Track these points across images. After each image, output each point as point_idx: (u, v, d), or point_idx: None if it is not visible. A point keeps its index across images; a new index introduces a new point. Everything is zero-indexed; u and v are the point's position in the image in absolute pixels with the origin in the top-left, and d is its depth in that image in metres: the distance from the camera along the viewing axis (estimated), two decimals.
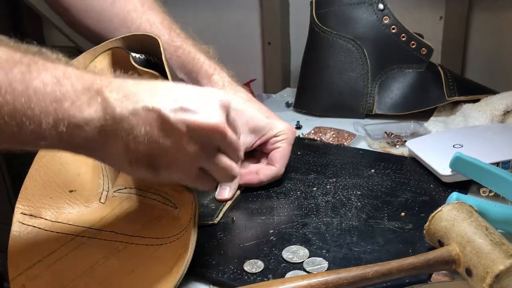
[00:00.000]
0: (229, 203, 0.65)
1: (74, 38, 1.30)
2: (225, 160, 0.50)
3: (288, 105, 1.09)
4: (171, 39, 0.71)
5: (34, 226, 0.54)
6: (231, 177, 0.52)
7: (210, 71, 0.71)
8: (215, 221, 0.61)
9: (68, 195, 0.58)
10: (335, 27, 0.98)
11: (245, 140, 0.66)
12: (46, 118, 0.40)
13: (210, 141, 0.48)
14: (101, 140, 0.44)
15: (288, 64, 1.33)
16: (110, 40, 0.60)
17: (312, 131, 0.90)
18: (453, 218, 0.51)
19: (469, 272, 0.47)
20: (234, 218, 0.63)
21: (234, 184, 0.66)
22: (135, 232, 0.56)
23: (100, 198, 0.59)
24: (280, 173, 0.69)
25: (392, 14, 0.95)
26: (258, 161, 0.72)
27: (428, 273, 0.50)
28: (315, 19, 1.00)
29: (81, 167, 0.60)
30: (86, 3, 0.73)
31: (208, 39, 1.52)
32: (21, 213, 0.54)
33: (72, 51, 1.22)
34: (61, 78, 0.41)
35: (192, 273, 0.53)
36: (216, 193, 0.66)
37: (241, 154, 0.53)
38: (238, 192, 0.67)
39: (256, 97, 1.27)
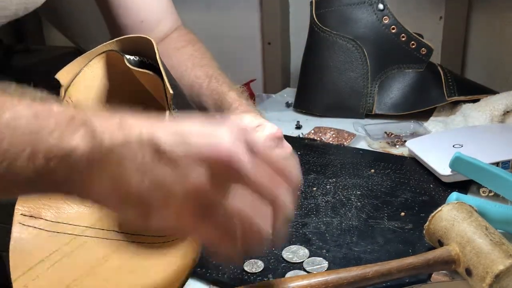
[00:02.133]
0: None
1: (74, 39, 1.30)
2: (240, 207, 0.38)
3: (288, 105, 1.09)
4: (210, 85, 0.76)
5: (35, 227, 0.54)
6: (256, 239, 0.39)
7: (235, 105, 0.71)
8: None
9: None
10: (335, 27, 0.98)
11: None
12: (21, 152, 0.36)
13: (219, 175, 0.37)
14: (87, 173, 0.38)
15: (288, 64, 1.33)
16: (104, 43, 0.59)
17: (312, 131, 0.90)
18: (453, 218, 0.51)
19: (469, 272, 0.47)
20: None
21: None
22: (136, 231, 0.56)
23: None
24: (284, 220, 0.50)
25: (392, 14, 0.96)
26: None
27: (428, 273, 0.50)
28: (315, 19, 1.00)
29: None
30: None
31: (209, 39, 1.52)
32: (21, 214, 0.54)
33: (72, 51, 1.22)
34: (42, 110, 0.38)
35: (192, 273, 0.54)
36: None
37: (285, 203, 0.40)
38: None
39: (256, 97, 1.28)
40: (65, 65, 0.58)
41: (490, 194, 0.64)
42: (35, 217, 0.54)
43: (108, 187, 0.39)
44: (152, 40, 0.56)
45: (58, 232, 0.55)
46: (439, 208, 0.53)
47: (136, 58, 0.58)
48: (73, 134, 0.37)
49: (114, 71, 0.59)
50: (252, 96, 1.30)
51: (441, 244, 0.52)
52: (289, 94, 1.16)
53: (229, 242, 0.40)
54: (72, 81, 0.57)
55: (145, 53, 0.58)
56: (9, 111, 0.36)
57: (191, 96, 0.76)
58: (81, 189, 0.40)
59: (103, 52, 0.59)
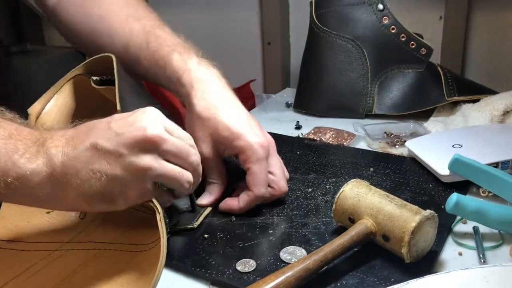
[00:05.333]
0: (209, 208, 0.64)
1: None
2: (171, 168, 0.50)
3: (288, 105, 1.09)
4: (148, 46, 0.71)
5: (12, 249, 0.54)
6: (185, 183, 0.52)
7: (180, 72, 0.67)
8: (194, 225, 0.61)
9: (46, 216, 0.59)
10: (334, 27, 0.98)
11: (205, 150, 0.63)
12: None
13: (149, 152, 0.48)
14: (52, 189, 0.47)
15: (288, 64, 1.33)
16: (72, 70, 0.64)
17: (312, 131, 0.90)
18: (356, 194, 0.56)
19: (386, 237, 0.52)
20: (234, 218, 0.63)
21: (214, 191, 0.65)
22: (113, 240, 0.57)
23: (79, 214, 0.60)
24: (260, 197, 0.62)
25: (392, 14, 0.96)
26: None
27: (353, 249, 0.54)
28: (315, 19, 1.00)
29: None
30: (79, 17, 0.76)
31: (208, 39, 1.52)
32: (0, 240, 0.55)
33: (72, 51, 1.22)
34: (14, 133, 0.46)
35: (192, 273, 0.54)
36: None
37: (193, 159, 0.53)
38: (209, 209, 0.65)
39: (256, 97, 1.28)
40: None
41: (490, 195, 0.64)
42: (13, 241, 0.55)
43: (73, 197, 0.48)
44: (113, 57, 0.62)
45: (36, 250, 0.55)
46: (341, 189, 0.58)
47: (101, 77, 0.64)
48: (37, 158, 0.46)
49: (83, 92, 0.65)
50: (252, 96, 1.31)
51: (352, 221, 0.56)
52: (289, 94, 1.16)
53: (171, 195, 0.55)
54: (43, 109, 0.63)
55: (108, 70, 0.62)
56: None
57: (126, 61, 0.70)
58: (49, 203, 0.49)
59: (72, 78, 0.64)
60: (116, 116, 0.50)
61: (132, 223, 0.59)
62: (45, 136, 0.48)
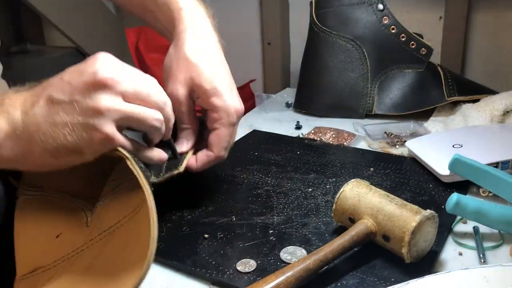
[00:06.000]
0: (190, 153, 0.62)
1: (74, 38, 1.30)
2: (132, 107, 0.49)
3: (288, 105, 1.09)
4: None
5: (34, 275, 0.54)
6: (153, 121, 0.51)
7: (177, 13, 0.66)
8: (180, 169, 0.59)
9: (56, 240, 0.57)
10: (335, 27, 0.98)
11: (181, 92, 0.60)
12: None
13: (104, 94, 0.47)
14: (17, 147, 0.48)
15: (288, 64, 1.33)
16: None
17: (312, 131, 0.90)
18: (357, 194, 0.56)
19: (386, 237, 0.52)
20: (234, 218, 0.63)
21: (190, 137, 0.63)
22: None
23: (86, 222, 0.58)
24: (219, 158, 0.62)
25: (392, 14, 0.96)
26: None
27: (354, 248, 0.54)
28: (315, 19, 1.00)
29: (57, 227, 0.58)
30: None
31: None
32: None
33: (72, 51, 1.22)
34: None
35: (192, 273, 0.54)
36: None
37: (157, 98, 0.51)
38: (191, 153, 0.62)
39: (256, 97, 1.28)
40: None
41: (490, 195, 0.65)
42: (35, 270, 0.54)
43: (40, 151, 0.48)
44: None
45: (54, 267, 0.54)
46: (342, 189, 0.57)
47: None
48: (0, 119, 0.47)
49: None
50: (252, 96, 1.31)
51: (352, 221, 0.56)
52: (289, 94, 1.16)
53: (140, 140, 0.54)
54: None
55: None
56: None
57: (142, 12, 0.70)
58: (19, 163, 0.49)
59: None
60: (68, 69, 0.50)
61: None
62: (2, 97, 0.49)
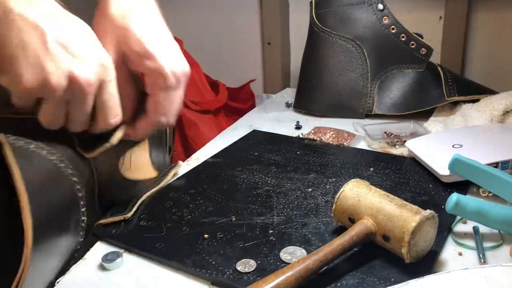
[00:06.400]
0: (123, 126, 0.57)
1: None
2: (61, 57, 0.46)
3: (288, 105, 1.09)
4: None
5: None
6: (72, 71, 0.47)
7: None
8: (113, 142, 0.55)
9: None
10: (334, 27, 0.98)
11: (111, 58, 0.54)
12: None
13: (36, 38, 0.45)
14: None
15: (288, 64, 1.33)
16: None
17: (312, 131, 0.90)
18: (357, 194, 0.56)
19: (386, 238, 0.52)
20: (234, 218, 0.63)
21: (125, 104, 0.55)
22: None
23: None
24: (160, 125, 0.58)
25: (392, 14, 0.96)
26: None
27: (354, 248, 0.54)
28: (315, 19, 1.00)
29: None
30: None
31: (208, 39, 1.52)
32: None
33: None
34: None
35: (192, 273, 0.54)
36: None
37: (91, 55, 0.48)
38: (120, 133, 0.57)
39: (256, 97, 1.28)
40: None
41: (490, 195, 0.65)
42: None
43: None
44: None
45: None
46: (342, 189, 0.57)
47: None
48: None
49: None
50: (252, 96, 1.31)
51: (352, 221, 0.56)
52: (289, 94, 1.16)
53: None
54: None
55: None
56: None
57: None
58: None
59: None
60: None
61: None
62: None
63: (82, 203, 0.55)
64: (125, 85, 0.56)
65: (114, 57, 0.54)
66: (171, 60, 0.55)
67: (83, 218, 0.55)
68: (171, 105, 0.57)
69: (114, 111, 0.53)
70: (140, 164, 0.65)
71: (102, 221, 0.61)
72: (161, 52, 0.54)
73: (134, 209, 0.61)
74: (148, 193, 0.65)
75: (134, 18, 0.55)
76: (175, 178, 0.74)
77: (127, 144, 0.62)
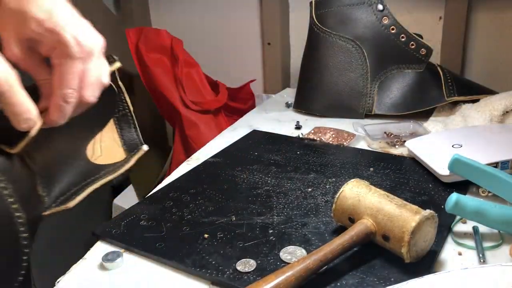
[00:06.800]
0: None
1: None
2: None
3: (288, 105, 1.09)
4: None
5: None
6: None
7: None
8: (32, 133, 0.50)
9: None
10: (334, 27, 0.98)
11: (15, 49, 0.50)
12: None
13: None
14: None
15: (288, 64, 1.33)
16: None
17: (312, 131, 0.90)
18: (356, 194, 0.56)
19: (386, 237, 0.52)
20: (234, 218, 0.63)
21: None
22: None
23: None
24: (70, 101, 0.51)
25: (392, 15, 0.96)
26: None
27: (353, 248, 0.54)
28: (315, 19, 1.00)
29: None
30: None
31: (208, 39, 1.52)
32: None
33: None
34: None
35: (192, 273, 0.54)
36: None
37: None
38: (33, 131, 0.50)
39: (256, 97, 1.28)
40: None
41: (490, 195, 0.65)
42: None
43: None
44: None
45: None
46: (342, 189, 0.58)
47: None
48: None
49: None
50: (252, 96, 1.31)
51: (352, 220, 0.56)
52: (289, 94, 1.17)
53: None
54: None
55: None
56: None
57: None
58: None
59: None
60: None
61: None
62: None
63: (21, 222, 0.49)
64: (41, 71, 0.53)
65: (18, 46, 0.51)
66: (75, 30, 0.50)
67: (24, 242, 0.48)
68: (83, 77, 0.51)
69: (23, 117, 0.49)
70: (110, 148, 0.63)
71: (46, 213, 0.53)
72: (63, 25, 0.50)
73: (79, 198, 0.55)
74: (102, 181, 0.58)
75: (30, 1, 0.50)
76: (175, 178, 0.75)
77: (84, 130, 0.58)
